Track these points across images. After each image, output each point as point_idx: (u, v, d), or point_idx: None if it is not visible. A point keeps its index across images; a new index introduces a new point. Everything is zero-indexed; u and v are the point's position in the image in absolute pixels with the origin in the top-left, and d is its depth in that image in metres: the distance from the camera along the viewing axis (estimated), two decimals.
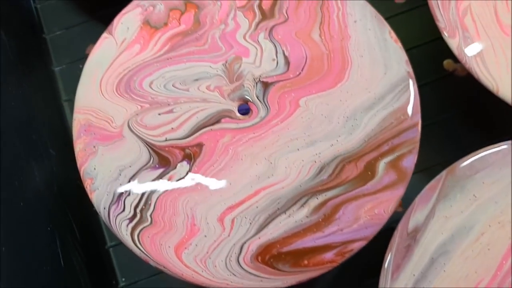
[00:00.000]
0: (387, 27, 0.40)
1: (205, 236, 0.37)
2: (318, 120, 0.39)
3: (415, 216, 0.37)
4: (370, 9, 0.40)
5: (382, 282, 0.36)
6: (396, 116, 0.38)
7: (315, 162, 0.38)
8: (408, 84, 0.39)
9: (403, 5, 0.52)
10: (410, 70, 0.39)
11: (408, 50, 0.42)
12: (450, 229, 0.37)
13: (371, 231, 0.36)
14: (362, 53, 0.39)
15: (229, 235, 0.37)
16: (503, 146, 0.38)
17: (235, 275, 0.36)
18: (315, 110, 0.39)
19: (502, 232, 0.37)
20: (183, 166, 0.38)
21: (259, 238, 0.37)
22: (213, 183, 0.38)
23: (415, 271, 0.36)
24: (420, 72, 0.43)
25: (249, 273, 0.36)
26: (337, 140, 0.38)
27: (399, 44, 0.39)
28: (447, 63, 0.50)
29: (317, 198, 0.37)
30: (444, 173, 0.38)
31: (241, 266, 0.36)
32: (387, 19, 0.41)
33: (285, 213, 0.37)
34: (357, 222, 0.37)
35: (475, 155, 0.38)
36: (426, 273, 0.36)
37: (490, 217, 0.37)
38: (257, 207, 0.37)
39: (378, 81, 0.39)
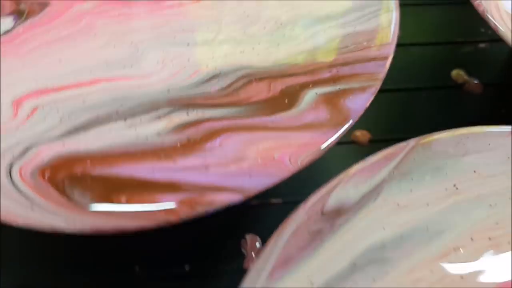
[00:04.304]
0: None
1: None
2: (236, 16, 0.25)
3: (344, 189, 0.21)
4: None
5: (249, 280, 0.19)
6: (356, 40, 0.24)
7: (207, 66, 0.23)
8: (389, 7, 0.25)
9: None
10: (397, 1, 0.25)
11: (411, 45, 0.35)
12: (400, 225, 0.20)
13: (256, 184, 0.20)
14: None
15: (19, 127, 0.21)
16: None
17: None
18: (237, 3, 0.25)
19: (494, 255, 0.20)
20: (6, 21, 0.24)
21: (63, 144, 0.21)
22: (36, 53, 0.23)
23: (317, 276, 0.19)
24: (420, 75, 0.35)
25: (19, 191, 0.19)
26: (253, 48, 0.24)
27: None
28: (456, 73, 0.36)
29: (187, 114, 0.22)
30: (413, 141, 0.22)
31: (11, 177, 0.20)
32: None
33: (124, 121, 0.21)
34: (239, 163, 0.20)
35: (470, 130, 0.22)
36: (336, 285, 0.19)
37: (476, 226, 0.20)
38: (83, 101, 0.22)
39: None
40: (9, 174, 0.20)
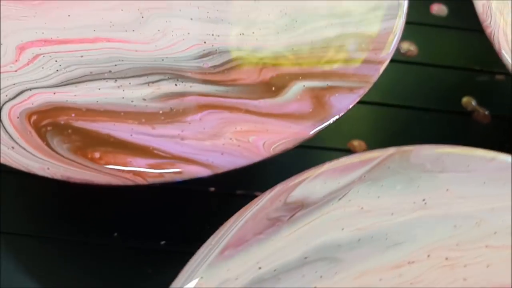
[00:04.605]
0: None
1: None
2: (243, 1, 0.25)
3: (312, 184, 0.21)
4: None
5: (200, 255, 0.19)
6: (355, 40, 0.24)
7: (205, 42, 0.24)
8: (396, 15, 0.25)
9: (439, 19, 0.40)
10: (405, 2, 0.25)
11: (428, 65, 0.35)
12: (359, 228, 0.20)
13: (226, 163, 0.20)
14: None
15: (16, 71, 0.22)
16: (503, 157, 0.22)
17: None
18: None
19: (446, 276, 0.20)
20: None
21: (54, 93, 0.22)
22: (48, 5, 0.24)
23: (265, 262, 0.19)
24: (431, 96, 0.34)
25: (5, 130, 0.20)
26: (253, 32, 0.24)
27: None
28: (466, 100, 0.36)
29: (176, 85, 0.22)
30: (392, 149, 0.22)
31: (0, 115, 0.21)
32: (418, 24, 0.34)
33: (115, 81, 0.22)
34: (214, 140, 0.21)
35: (453, 149, 0.22)
36: (283, 275, 0.19)
37: (436, 244, 0.20)
38: (81, 56, 0.23)
39: None
40: None
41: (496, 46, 0.24)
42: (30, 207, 0.27)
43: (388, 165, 0.22)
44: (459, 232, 0.20)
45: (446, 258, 0.20)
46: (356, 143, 0.31)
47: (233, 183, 0.28)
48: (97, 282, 0.25)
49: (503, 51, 0.24)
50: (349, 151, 0.31)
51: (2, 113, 0.21)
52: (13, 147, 0.20)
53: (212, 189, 0.28)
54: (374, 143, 0.31)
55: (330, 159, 0.28)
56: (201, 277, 0.19)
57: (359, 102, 0.32)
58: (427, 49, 0.36)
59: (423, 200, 0.21)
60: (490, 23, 0.25)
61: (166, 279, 0.19)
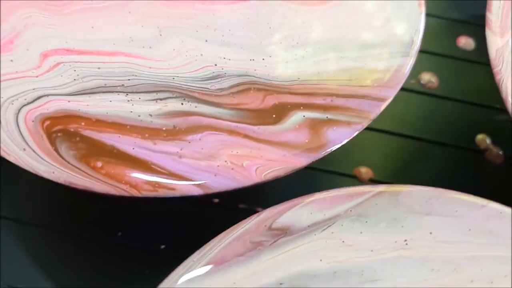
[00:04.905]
0: None
1: (11, 60, 0.24)
2: (258, 27, 0.26)
3: (298, 212, 0.22)
4: None
5: (182, 268, 0.20)
6: (362, 76, 0.24)
7: (215, 65, 0.25)
8: (407, 53, 0.25)
9: (465, 53, 0.40)
10: (418, 41, 0.26)
11: (447, 98, 0.35)
12: (338, 262, 0.21)
13: (218, 184, 0.21)
14: None
15: (37, 76, 0.24)
16: (495, 205, 0.22)
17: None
18: (264, 14, 0.26)
19: None
20: None
21: (69, 101, 0.23)
22: (75, 16, 0.26)
23: (242, 283, 0.20)
24: (445, 130, 0.34)
25: (19, 131, 0.22)
26: (263, 59, 0.25)
27: (422, 10, 0.27)
28: (481, 138, 0.36)
29: (182, 104, 0.24)
30: (382, 187, 0.22)
31: (17, 117, 0.23)
32: (443, 56, 0.34)
33: (126, 95, 0.24)
34: (209, 161, 0.22)
35: (443, 193, 0.23)
36: None
37: (411, 285, 0.21)
38: (99, 68, 0.24)
39: (369, 26, 0.26)
40: (16, 114, 0.23)
41: (503, 94, 0.24)
42: (41, 197, 0.29)
43: (376, 202, 0.22)
44: (435, 277, 0.21)
45: None
46: (363, 169, 0.31)
47: (237, 197, 0.29)
48: (94, 276, 0.27)
49: (509, 99, 0.24)
50: (355, 178, 0.31)
51: (19, 116, 0.23)
52: (24, 149, 0.22)
53: (216, 200, 0.29)
54: (381, 172, 0.32)
55: (334, 183, 0.29)
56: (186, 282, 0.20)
57: (372, 129, 0.33)
58: (448, 82, 0.36)
59: (405, 240, 0.22)
60: (501, 69, 0.25)
61: (160, 280, 0.21)
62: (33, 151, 0.22)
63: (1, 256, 0.26)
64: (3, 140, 0.22)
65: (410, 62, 0.25)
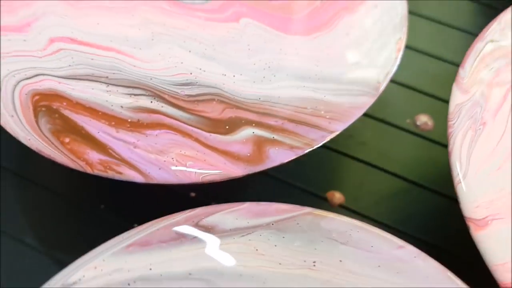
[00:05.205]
0: (401, 33, 0.29)
1: (24, 40, 0.28)
2: (239, 47, 0.29)
3: (226, 215, 0.24)
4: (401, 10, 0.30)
5: (108, 244, 0.23)
6: (316, 106, 0.26)
7: (191, 74, 0.28)
8: (369, 94, 0.27)
9: None
10: (383, 85, 0.27)
11: (434, 142, 0.35)
12: (245, 266, 0.23)
13: (159, 177, 0.24)
14: (356, 28, 0.29)
15: (41, 57, 0.28)
16: (413, 249, 0.23)
17: None
18: (248, 36, 0.29)
19: None
20: None
21: (59, 82, 0.27)
22: (86, 11, 0.30)
23: (156, 267, 0.23)
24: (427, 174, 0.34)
25: (13, 101, 0.26)
26: (233, 75, 0.28)
27: (398, 56, 0.28)
28: None
29: (151, 102, 0.27)
30: (308, 209, 0.24)
31: (14, 90, 0.27)
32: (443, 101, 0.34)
33: (107, 86, 0.27)
34: (159, 155, 0.25)
35: (365, 226, 0.24)
36: (166, 281, 0.23)
37: None
38: (92, 59, 0.28)
39: (341, 62, 0.28)
40: (15, 86, 0.27)
41: (450, 146, 0.25)
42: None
43: (298, 222, 0.24)
44: None
45: None
46: (337, 194, 0.32)
47: (213, 193, 0.31)
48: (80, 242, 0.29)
49: (454, 153, 0.25)
50: (325, 200, 0.32)
51: (16, 89, 0.27)
52: (12, 116, 0.26)
53: (193, 194, 0.31)
54: (353, 201, 0.32)
55: (303, 200, 0.30)
56: (103, 260, 0.23)
57: (355, 158, 0.34)
58: (444, 128, 0.36)
59: (314, 262, 0.23)
60: (454, 124, 0.26)
61: None
62: (19, 119, 0.26)
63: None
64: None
65: (368, 102, 0.26)
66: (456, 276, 0.23)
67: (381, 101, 0.37)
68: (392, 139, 0.36)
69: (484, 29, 0.29)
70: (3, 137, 0.31)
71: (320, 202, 0.33)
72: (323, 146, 0.34)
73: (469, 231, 0.24)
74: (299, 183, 0.32)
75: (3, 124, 0.25)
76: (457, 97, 0.27)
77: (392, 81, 0.37)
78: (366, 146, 0.35)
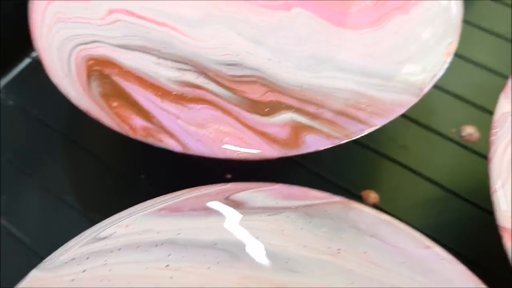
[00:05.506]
0: (452, 37, 0.29)
1: (86, 8, 0.30)
2: (287, 34, 0.29)
3: (256, 194, 0.24)
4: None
5: (146, 204, 0.24)
6: (358, 99, 0.27)
7: (238, 55, 0.28)
8: (413, 93, 0.27)
9: None
10: (428, 86, 0.27)
11: (478, 155, 0.34)
12: (270, 244, 0.23)
13: (196, 148, 0.25)
14: (406, 28, 0.29)
15: (99, 26, 0.29)
16: (440, 251, 0.23)
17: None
18: (297, 25, 0.29)
19: None
20: None
21: (113, 50, 0.28)
22: None
23: (185, 232, 0.23)
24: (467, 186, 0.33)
25: (68, 63, 0.28)
26: (279, 61, 0.28)
27: (447, 59, 0.28)
28: None
29: (197, 78, 0.28)
30: (339, 198, 0.24)
31: (71, 53, 0.28)
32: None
33: (158, 59, 0.28)
34: (199, 128, 0.26)
35: (394, 222, 0.24)
36: (191, 247, 0.23)
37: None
38: (147, 32, 0.29)
39: (388, 59, 0.28)
40: (73, 49, 0.28)
41: (490, 153, 0.25)
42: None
43: (327, 209, 0.24)
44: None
45: None
46: (373, 195, 0.31)
47: (247, 177, 0.32)
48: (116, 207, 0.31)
49: (493, 161, 0.25)
50: (360, 198, 0.32)
51: (73, 52, 0.28)
52: (66, 76, 0.27)
53: (229, 176, 0.31)
54: (388, 202, 0.32)
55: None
56: (135, 219, 0.24)
57: (394, 161, 0.33)
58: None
59: (338, 249, 0.23)
60: (497, 132, 0.25)
61: None
62: (72, 80, 0.27)
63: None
64: (52, 68, 0.27)
65: (411, 101, 0.26)
66: (482, 282, 0.22)
67: (427, 107, 0.37)
68: (434, 147, 0.35)
69: None
70: (55, 98, 0.32)
71: (354, 200, 0.33)
72: (364, 145, 0.34)
73: (502, 243, 0.23)
74: (334, 178, 0.32)
75: (56, 83, 0.27)
76: (503, 106, 0.26)
77: (442, 89, 0.37)
78: (407, 150, 0.34)
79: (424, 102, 0.37)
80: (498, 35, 0.39)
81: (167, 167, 0.31)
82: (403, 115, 0.35)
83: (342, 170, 0.33)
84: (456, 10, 0.29)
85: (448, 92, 0.36)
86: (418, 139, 0.35)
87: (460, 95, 0.37)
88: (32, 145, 0.32)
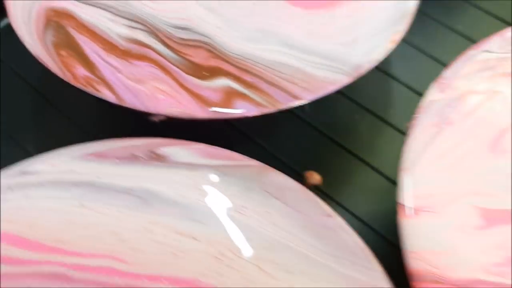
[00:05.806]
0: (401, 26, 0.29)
1: None
2: (242, 5, 0.30)
3: (180, 150, 0.26)
4: None
5: (78, 147, 0.26)
6: (294, 74, 0.28)
7: (190, 20, 0.30)
8: (347, 73, 0.28)
9: None
10: (362, 70, 0.28)
11: None
12: (180, 195, 0.25)
13: (130, 101, 0.26)
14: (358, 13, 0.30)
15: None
16: (340, 221, 0.24)
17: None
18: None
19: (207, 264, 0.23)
20: None
21: (75, 5, 0.30)
22: None
23: (104, 177, 0.25)
24: None
25: (30, 12, 0.29)
26: (228, 31, 0.29)
27: (390, 46, 0.29)
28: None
29: (146, 37, 0.29)
30: (255, 162, 0.26)
31: (33, 6, 0.30)
32: None
33: (114, 16, 0.30)
34: (136, 83, 0.27)
35: (302, 189, 0.25)
36: (108, 189, 0.25)
37: (217, 239, 0.24)
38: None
39: (331, 40, 0.29)
40: (35, 1, 0.30)
41: (407, 137, 0.25)
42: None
43: (243, 171, 0.25)
44: (248, 245, 0.23)
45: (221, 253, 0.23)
46: (316, 176, 0.31)
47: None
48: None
49: (408, 142, 0.25)
50: (301, 177, 0.32)
51: (36, 2, 0.30)
52: (25, 23, 0.29)
53: None
54: (329, 187, 0.32)
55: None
56: (62, 161, 0.25)
57: (343, 147, 0.34)
58: None
59: (243, 206, 0.24)
60: (420, 117, 0.26)
61: None
62: (29, 27, 0.29)
63: None
64: (17, 12, 0.29)
65: (344, 80, 0.27)
66: (374, 256, 0.23)
67: (386, 100, 0.37)
68: (386, 139, 0.36)
69: (485, 39, 0.29)
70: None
71: (295, 178, 0.33)
72: (318, 130, 0.35)
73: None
74: (281, 155, 0.33)
75: (15, 28, 0.28)
76: (432, 94, 0.27)
77: (403, 83, 0.37)
78: (359, 139, 0.35)
79: (384, 95, 0.38)
80: (468, 38, 0.39)
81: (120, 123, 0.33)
82: (361, 105, 0.36)
83: (291, 150, 0.34)
84: (412, 2, 0.30)
85: (409, 87, 0.37)
86: (372, 129, 0.35)
87: (420, 91, 0.37)
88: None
